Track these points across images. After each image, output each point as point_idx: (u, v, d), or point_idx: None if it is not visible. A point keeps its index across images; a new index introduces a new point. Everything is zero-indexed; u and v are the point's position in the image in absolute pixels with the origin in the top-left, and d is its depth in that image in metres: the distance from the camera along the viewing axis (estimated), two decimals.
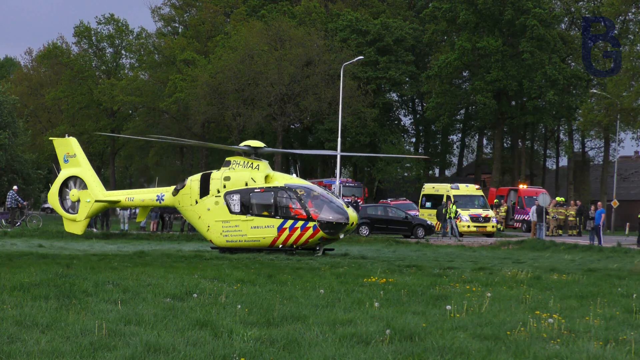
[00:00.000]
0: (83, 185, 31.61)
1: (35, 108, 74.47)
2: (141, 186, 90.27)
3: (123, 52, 75.92)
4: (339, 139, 45.95)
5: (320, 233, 25.87)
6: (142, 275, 16.59)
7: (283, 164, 71.25)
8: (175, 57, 67.03)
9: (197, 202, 27.19)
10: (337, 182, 45.32)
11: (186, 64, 65.69)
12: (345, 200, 50.62)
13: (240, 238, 26.48)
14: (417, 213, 46.72)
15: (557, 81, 61.30)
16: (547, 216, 45.01)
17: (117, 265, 19.32)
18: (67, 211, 32.05)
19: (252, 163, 27.03)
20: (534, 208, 41.71)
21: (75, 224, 31.97)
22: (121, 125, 73.62)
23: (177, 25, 78.38)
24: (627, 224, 49.78)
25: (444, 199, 44.80)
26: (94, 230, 38.02)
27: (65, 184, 32.20)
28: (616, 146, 65.96)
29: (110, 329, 10.20)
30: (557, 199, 50.82)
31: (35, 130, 71.52)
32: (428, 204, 48.57)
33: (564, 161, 79.66)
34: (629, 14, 62.79)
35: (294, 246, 26.22)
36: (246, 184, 26.57)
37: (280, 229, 26.14)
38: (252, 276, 17.05)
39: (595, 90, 63.31)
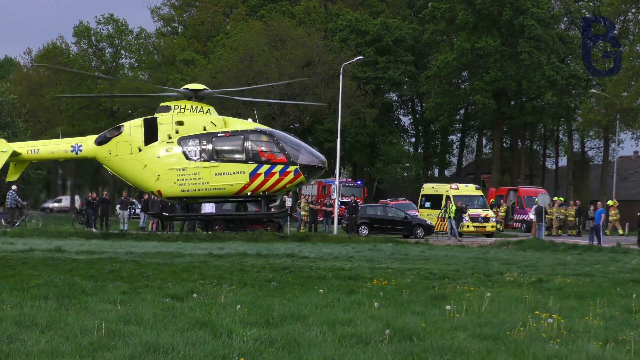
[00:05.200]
0: None
1: (35, 108, 74.41)
2: None
3: (123, 52, 75.86)
4: (339, 139, 45.94)
5: (301, 177, 24.47)
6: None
7: None
8: (175, 57, 67.01)
9: (140, 150, 24.67)
10: (337, 182, 45.31)
11: (186, 64, 65.67)
12: (345, 200, 51.08)
13: (200, 187, 24.43)
14: (417, 213, 46.71)
15: (556, 81, 61.34)
16: (549, 216, 45.00)
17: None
18: None
19: (202, 107, 24.99)
20: (534, 208, 41.75)
21: None
22: None
23: (176, 25, 78.36)
24: (627, 224, 49.72)
25: (450, 201, 44.48)
26: (94, 230, 38.01)
27: None
28: (615, 146, 66.01)
29: (110, 329, 10.20)
30: (556, 198, 50.79)
31: (35, 130, 71.48)
32: (427, 204, 48.55)
33: (563, 161, 79.72)
34: (629, 14, 62.81)
35: (268, 193, 24.55)
36: (204, 129, 24.62)
37: (254, 175, 24.32)
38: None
39: (594, 90, 63.32)
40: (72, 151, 25.49)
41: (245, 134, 24.60)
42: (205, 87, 25.83)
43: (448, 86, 66.62)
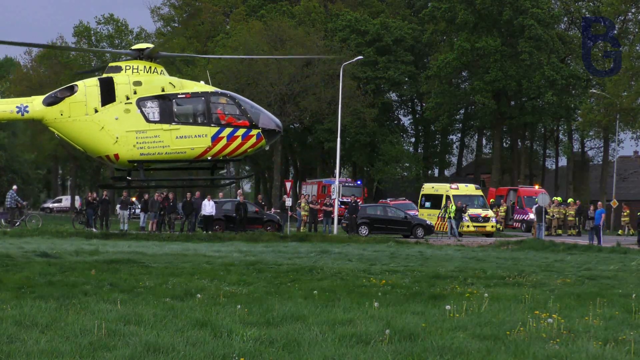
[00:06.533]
0: None
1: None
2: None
3: None
4: (339, 139, 45.94)
5: (262, 142, 23.48)
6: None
7: (282, 164, 71.29)
8: (175, 57, 66.98)
9: (97, 111, 23.09)
10: (337, 182, 45.31)
11: (186, 64, 65.66)
12: (345, 200, 51.07)
13: (160, 150, 23.10)
14: (417, 213, 46.70)
15: (556, 81, 61.37)
16: (548, 216, 45.03)
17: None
18: None
19: (155, 67, 23.65)
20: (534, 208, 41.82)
21: None
22: None
23: (176, 25, 78.36)
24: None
25: (450, 201, 44.47)
26: (94, 230, 38.01)
27: None
28: (615, 146, 66.02)
29: (110, 329, 10.21)
30: (555, 198, 50.85)
31: (35, 130, 71.48)
32: (427, 204, 48.55)
33: (563, 161, 79.71)
34: (629, 14, 62.82)
35: (228, 157, 23.71)
36: (163, 90, 23.35)
37: (216, 139, 23.14)
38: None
39: (594, 90, 63.34)
40: (17, 112, 23.61)
41: (206, 95, 23.58)
42: (150, 45, 24.35)
43: (448, 86, 66.64)
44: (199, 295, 13.67)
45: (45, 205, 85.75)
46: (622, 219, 48.74)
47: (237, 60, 59.05)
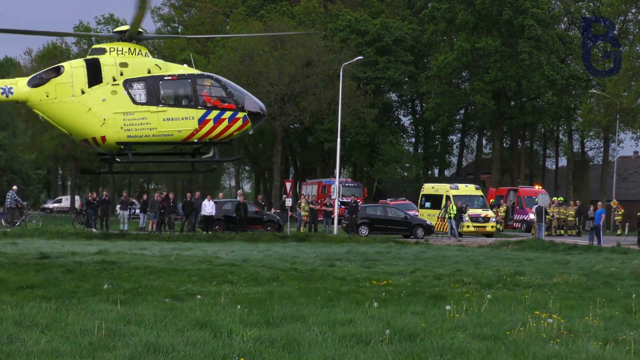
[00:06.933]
0: None
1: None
2: (141, 187, 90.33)
3: None
4: (339, 139, 45.93)
5: (248, 125, 23.31)
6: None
7: (282, 164, 71.28)
8: (175, 57, 66.99)
9: (83, 92, 22.76)
10: (337, 182, 45.32)
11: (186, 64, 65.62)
12: (345, 200, 51.06)
13: (147, 132, 22.82)
14: (417, 213, 46.71)
15: (556, 81, 61.38)
16: (548, 216, 45.03)
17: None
18: None
19: (140, 49, 23.38)
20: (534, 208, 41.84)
21: None
22: None
23: (176, 25, 78.40)
24: (627, 224, 49.85)
25: (450, 202, 44.46)
26: (94, 230, 38.01)
27: None
28: (615, 146, 66.02)
29: (110, 329, 10.21)
30: (555, 198, 50.87)
31: (35, 131, 71.52)
32: (427, 204, 48.55)
33: (563, 161, 79.73)
34: (629, 14, 62.85)
35: (215, 140, 23.43)
36: (149, 71, 23.10)
37: (203, 121, 22.98)
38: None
39: (594, 91, 63.35)
40: (2, 93, 23.13)
41: (192, 77, 23.32)
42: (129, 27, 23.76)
43: (448, 86, 66.65)
44: (198, 296, 13.67)
45: (46, 205, 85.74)
46: (616, 217, 48.90)
47: (237, 60, 59.06)
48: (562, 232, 46.74)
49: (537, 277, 18.80)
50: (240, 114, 23.06)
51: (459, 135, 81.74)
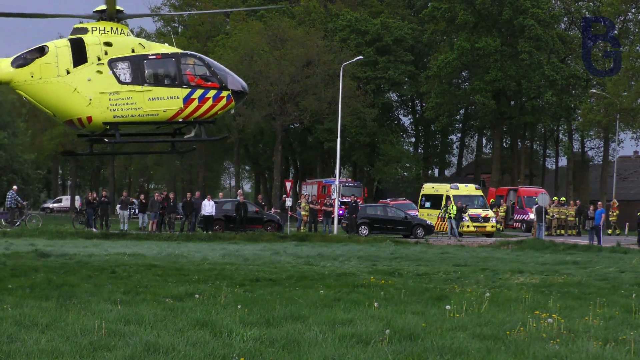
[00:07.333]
0: None
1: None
2: (141, 187, 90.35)
3: None
4: (339, 139, 45.94)
5: (232, 104, 23.23)
6: None
7: (282, 164, 71.27)
8: None
9: (69, 72, 22.51)
10: (337, 182, 45.32)
11: None
12: (345, 200, 51.06)
13: (133, 112, 22.66)
14: (417, 213, 46.71)
15: (556, 81, 61.39)
16: (548, 216, 45.03)
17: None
18: None
19: (122, 29, 23.13)
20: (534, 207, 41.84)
21: None
22: None
23: (176, 25, 78.40)
24: (627, 224, 49.85)
25: (451, 201, 44.43)
26: (94, 230, 38.01)
27: None
28: (615, 146, 66.00)
29: (110, 329, 10.21)
30: (555, 198, 50.87)
31: (35, 130, 71.52)
32: (427, 204, 48.55)
33: (563, 161, 79.73)
34: (629, 14, 62.79)
35: (199, 120, 23.27)
36: (133, 51, 22.88)
37: (188, 100, 22.84)
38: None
39: (594, 90, 63.33)
40: None
41: (176, 56, 23.26)
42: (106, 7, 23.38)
43: (448, 86, 66.66)
44: (197, 295, 13.67)
45: (46, 205, 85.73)
46: (610, 218, 48.84)
47: (237, 59, 59.02)
48: (562, 232, 46.75)
49: (537, 277, 18.81)
50: (224, 93, 22.95)
51: (459, 135, 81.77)
